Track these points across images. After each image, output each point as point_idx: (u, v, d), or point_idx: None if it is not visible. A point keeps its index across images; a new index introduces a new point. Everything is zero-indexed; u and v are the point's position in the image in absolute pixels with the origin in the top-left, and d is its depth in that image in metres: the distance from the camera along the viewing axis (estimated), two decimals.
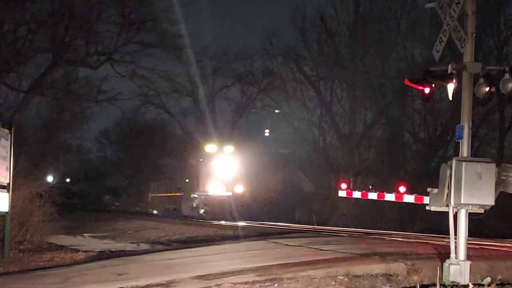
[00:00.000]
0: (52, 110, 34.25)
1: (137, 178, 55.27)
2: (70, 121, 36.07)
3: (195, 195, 33.53)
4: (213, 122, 45.01)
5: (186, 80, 46.80)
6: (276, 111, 45.27)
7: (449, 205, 9.62)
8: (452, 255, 9.62)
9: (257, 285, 8.85)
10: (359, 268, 9.75)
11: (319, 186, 38.72)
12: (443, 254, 10.35)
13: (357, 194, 23.65)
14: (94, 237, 23.27)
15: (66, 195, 23.99)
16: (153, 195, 44.63)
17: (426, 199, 13.91)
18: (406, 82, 10.82)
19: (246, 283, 8.91)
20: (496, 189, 9.66)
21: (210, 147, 33.86)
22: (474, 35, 10.03)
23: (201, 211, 32.80)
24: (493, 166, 9.66)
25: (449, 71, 10.03)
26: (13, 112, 28.66)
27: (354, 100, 38.43)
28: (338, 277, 9.37)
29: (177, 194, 37.22)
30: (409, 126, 35.84)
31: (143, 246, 19.06)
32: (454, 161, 9.57)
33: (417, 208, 23.78)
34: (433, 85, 10.41)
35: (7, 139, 15.18)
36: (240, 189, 33.02)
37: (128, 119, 57.42)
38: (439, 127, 34.13)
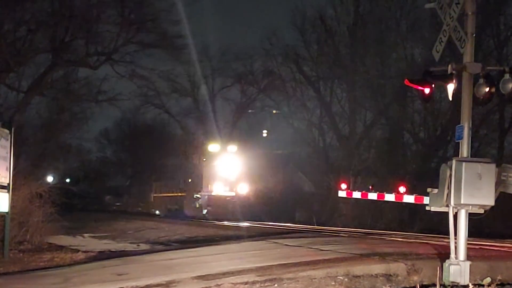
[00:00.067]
0: (52, 110, 34.25)
1: (138, 178, 55.34)
2: (70, 121, 36.08)
3: (198, 195, 33.49)
4: (214, 122, 45.02)
5: (186, 80, 46.89)
6: (274, 111, 45.30)
7: (449, 205, 9.62)
8: (452, 255, 9.62)
9: (257, 285, 8.85)
10: (359, 268, 9.74)
11: (319, 186, 38.73)
12: (443, 254, 10.35)
13: (357, 195, 23.65)
14: (94, 237, 23.25)
15: (66, 195, 23.97)
16: (155, 195, 44.64)
17: (426, 200, 13.90)
18: (406, 82, 10.82)
19: (246, 283, 8.91)
20: (496, 190, 9.66)
21: (213, 147, 33.82)
22: (474, 35, 10.03)
23: (204, 211, 32.76)
24: (493, 166, 9.66)
25: (449, 72, 10.03)
26: (13, 112, 28.67)
27: (354, 100, 38.42)
28: (338, 277, 9.37)
29: (180, 194, 37.22)
30: (409, 127, 35.83)
31: (143, 246, 19.05)
32: (454, 162, 9.57)
33: (417, 208, 23.78)
34: (433, 85, 10.41)
35: (7, 139, 15.18)
36: (244, 189, 32.91)
37: (128, 119, 57.54)
38: (439, 127, 34.12)
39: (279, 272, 9.49)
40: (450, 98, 10.63)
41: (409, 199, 20.70)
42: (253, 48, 54.87)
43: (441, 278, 9.45)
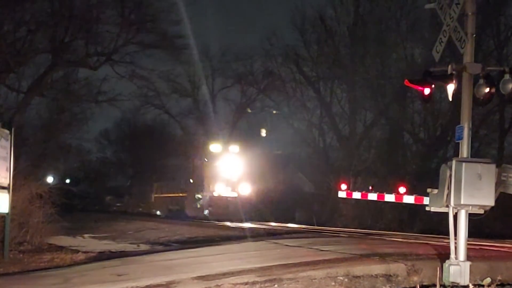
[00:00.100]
0: (52, 111, 34.23)
1: (139, 178, 55.28)
2: (70, 122, 36.05)
3: (199, 196, 33.41)
4: (215, 122, 45.02)
5: (186, 80, 46.88)
6: (274, 112, 45.26)
7: (449, 205, 9.62)
8: (452, 255, 9.62)
9: (257, 285, 8.85)
10: (359, 269, 9.74)
11: (319, 186, 38.69)
12: (443, 255, 10.36)
13: (357, 195, 23.66)
14: (94, 237, 23.22)
15: (66, 195, 23.95)
16: (156, 195, 44.59)
17: (426, 200, 13.91)
18: (406, 82, 10.83)
19: (246, 283, 8.92)
20: (496, 190, 9.67)
21: (215, 147, 33.71)
22: (474, 35, 10.04)
23: (206, 211, 32.67)
24: (493, 166, 9.67)
25: (449, 72, 10.03)
26: (13, 112, 28.66)
27: (354, 100, 38.41)
28: (338, 277, 9.37)
29: (181, 194, 37.15)
30: (409, 127, 35.82)
31: (143, 247, 19.03)
32: (454, 162, 9.58)
33: (417, 208, 23.78)
34: (433, 85, 10.41)
35: (7, 140, 15.17)
36: (247, 189, 32.79)
37: (128, 120, 57.48)
38: (439, 127, 34.11)
39: (279, 272, 9.49)
40: (450, 99, 10.63)
41: (409, 199, 20.72)
42: (253, 48, 54.79)
43: (441, 279, 9.45)
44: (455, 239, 9.65)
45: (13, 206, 16.01)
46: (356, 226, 27.06)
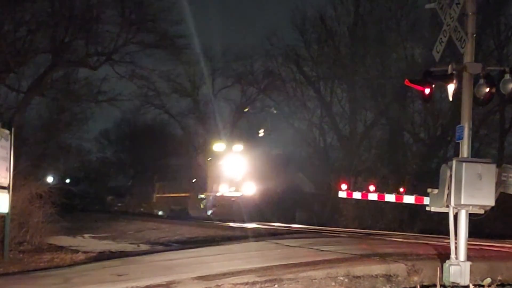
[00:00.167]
0: (52, 111, 34.28)
1: (140, 178, 55.23)
2: (70, 122, 36.12)
3: (202, 196, 33.27)
4: (215, 122, 45.00)
5: (186, 80, 46.85)
6: (275, 111, 45.25)
7: (449, 205, 9.62)
8: (452, 255, 9.62)
9: (257, 285, 8.85)
10: (359, 269, 9.74)
11: (319, 187, 38.68)
12: (443, 255, 10.35)
13: (357, 195, 23.64)
14: (94, 237, 23.20)
15: (66, 195, 23.94)
16: (158, 195, 44.50)
17: (426, 200, 13.90)
18: (406, 82, 10.82)
19: (246, 283, 8.91)
20: (496, 190, 9.66)
21: (218, 146, 33.56)
22: (474, 35, 10.04)
23: (209, 212, 32.53)
24: (493, 166, 9.66)
25: (449, 72, 10.03)
26: (13, 112, 28.69)
27: (354, 100, 38.42)
28: (338, 277, 9.37)
29: (183, 194, 37.04)
30: (409, 127, 35.83)
31: (143, 247, 19.00)
32: (454, 162, 9.57)
33: (417, 208, 23.77)
34: (433, 85, 10.41)
35: (7, 140, 15.16)
36: (251, 189, 32.60)
37: (128, 120, 57.39)
38: (439, 127, 34.12)
39: (279, 272, 9.48)
40: (450, 99, 10.63)
41: (409, 199, 20.70)
42: (253, 48, 54.59)
43: (441, 279, 9.45)
44: (455, 239, 9.64)
45: (13, 206, 15.99)
46: (357, 226, 27.05)
